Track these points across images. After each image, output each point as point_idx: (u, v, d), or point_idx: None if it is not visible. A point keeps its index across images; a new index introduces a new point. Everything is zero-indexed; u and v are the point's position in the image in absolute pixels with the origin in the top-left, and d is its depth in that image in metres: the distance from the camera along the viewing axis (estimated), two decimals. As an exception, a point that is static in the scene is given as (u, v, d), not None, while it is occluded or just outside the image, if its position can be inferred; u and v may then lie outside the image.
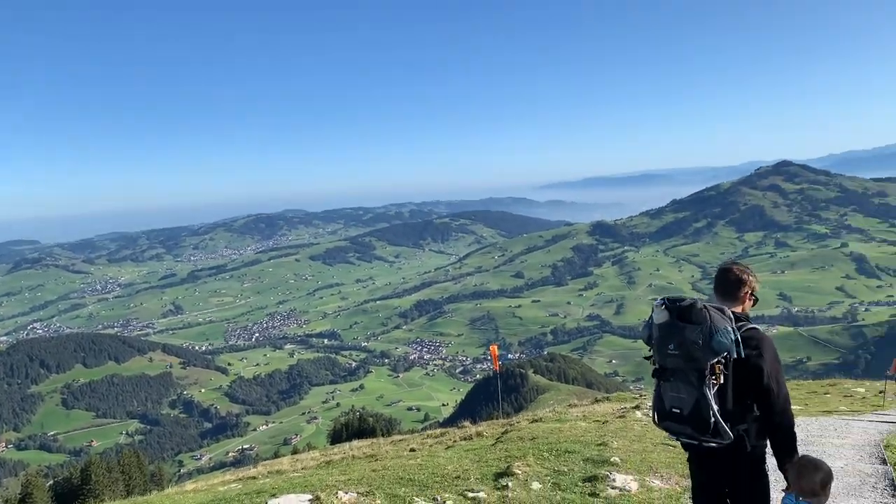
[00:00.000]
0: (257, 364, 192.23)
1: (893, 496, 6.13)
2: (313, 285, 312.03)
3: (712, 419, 3.19)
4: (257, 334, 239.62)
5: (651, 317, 3.48)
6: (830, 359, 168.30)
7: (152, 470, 38.84)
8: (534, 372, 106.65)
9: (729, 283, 3.65)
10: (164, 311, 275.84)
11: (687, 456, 3.70)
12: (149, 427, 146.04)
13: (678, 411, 3.29)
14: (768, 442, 3.49)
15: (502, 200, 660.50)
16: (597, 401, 21.11)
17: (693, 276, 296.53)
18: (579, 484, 6.60)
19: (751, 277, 3.71)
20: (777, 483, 3.58)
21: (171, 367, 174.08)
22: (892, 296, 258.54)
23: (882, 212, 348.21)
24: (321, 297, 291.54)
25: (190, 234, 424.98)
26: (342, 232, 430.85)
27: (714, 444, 3.30)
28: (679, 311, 3.33)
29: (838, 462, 7.44)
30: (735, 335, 3.29)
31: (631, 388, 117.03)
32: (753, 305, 3.78)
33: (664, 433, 3.26)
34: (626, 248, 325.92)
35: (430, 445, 12.82)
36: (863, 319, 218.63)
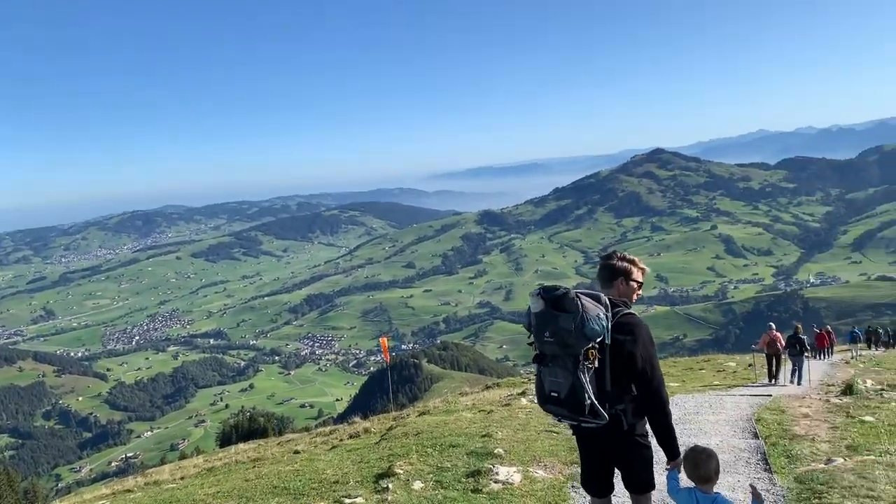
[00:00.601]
0: (139, 368, 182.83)
1: (766, 470, 6.27)
2: (196, 284, 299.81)
3: (587, 401, 3.31)
4: (138, 337, 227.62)
5: (529, 306, 3.58)
6: (704, 335, 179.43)
7: (25, 487, 35.87)
8: (427, 361, 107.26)
9: (603, 271, 3.84)
10: (33, 316, 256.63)
11: (573, 435, 3.82)
12: (20, 441, 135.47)
13: (556, 395, 3.41)
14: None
15: (391, 191, 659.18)
16: (487, 387, 21.24)
17: (576, 262, 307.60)
18: (462, 480, 6.36)
19: (629, 266, 3.85)
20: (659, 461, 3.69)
21: (43, 375, 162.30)
22: (756, 274, 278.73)
23: (746, 195, 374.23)
24: (205, 296, 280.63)
25: (60, 234, 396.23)
26: (226, 227, 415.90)
27: (592, 425, 3.44)
28: (553, 301, 3.43)
29: (714, 439, 7.61)
30: (607, 322, 3.42)
31: (521, 372, 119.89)
32: (638, 290, 3.89)
33: (547, 420, 3.49)
34: (512, 235, 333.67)
35: (317, 445, 12.33)
36: (732, 297, 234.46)
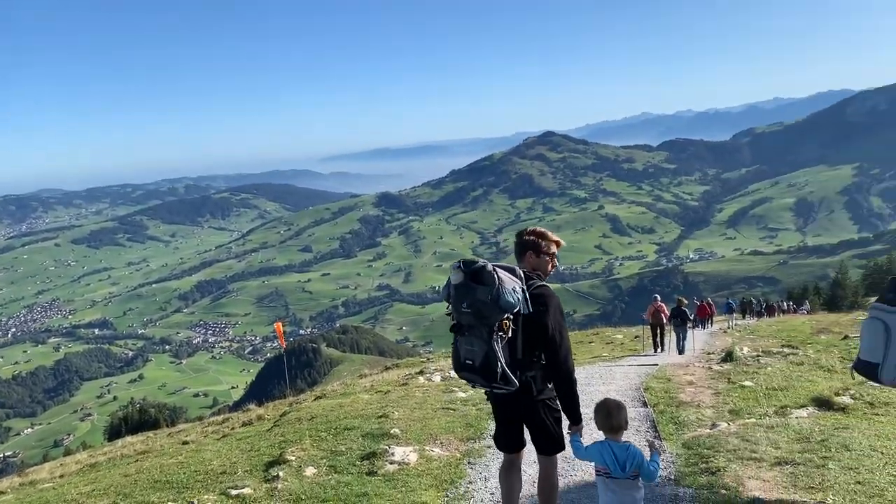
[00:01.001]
0: (16, 362, 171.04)
1: (656, 437, 6.45)
2: (78, 271, 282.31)
3: (499, 369, 3.50)
4: (14, 329, 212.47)
5: (449, 278, 3.75)
6: (593, 310, 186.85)
7: None
8: (326, 345, 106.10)
9: (517, 246, 4.10)
10: None
11: (487, 399, 4.02)
12: None
13: (471, 362, 3.58)
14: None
15: (285, 173, 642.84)
16: (387, 368, 21.10)
17: (473, 242, 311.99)
18: (357, 463, 6.19)
19: (537, 239, 4.09)
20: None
21: None
22: (640, 251, 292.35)
23: (631, 176, 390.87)
24: (88, 284, 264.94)
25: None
26: (109, 212, 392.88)
27: (504, 391, 3.65)
28: (472, 273, 3.60)
29: (604, 408, 7.77)
30: (523, 294, 3.65)
31: (421, 352, 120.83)
32: (553, 262, 4.17)
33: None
34: (411, 217, 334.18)
35: (208, 435, 11.81)
36: (618, 273, 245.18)
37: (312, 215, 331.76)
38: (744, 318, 36.68)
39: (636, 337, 21.23)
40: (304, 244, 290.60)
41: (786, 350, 12.59)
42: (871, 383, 4.98)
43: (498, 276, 3.57)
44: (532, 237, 4.09)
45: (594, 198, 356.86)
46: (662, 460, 5.48)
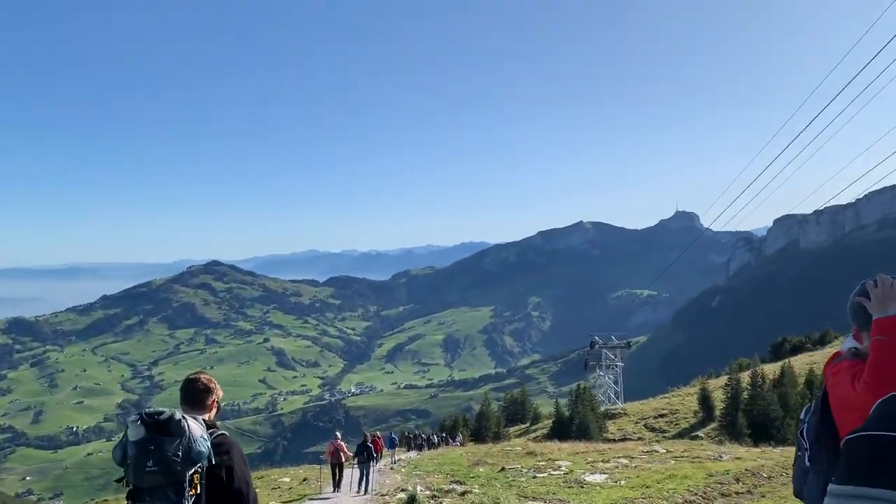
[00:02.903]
0: None
1: None
2: None
3: None
4: None
5: (125, 434, 3.29)
6: (254, 449, 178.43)
7: None
8: None
9: (198, 392, 3.67)
10: None
11: None
12: None
13: None
14: None
15: None
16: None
17: (123, 376, 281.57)
18: None
19: (216, 386, 3.79)
20: None
21: None
22: (305, 385, 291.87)
23: (297, 309, 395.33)
24: None
25: None
26: None
27: None
28: (157, 426, 3.21)
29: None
30: (208, 442, 3.32)
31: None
32: (218, 412, 3.83)
33: None
34: (48, 347, 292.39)
35: None
36: (281, 408, 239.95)
37: None
38: (408, 451, 38.24)
39: (304, 480, 20.15)
40: None
41: (456, 487, 12.73)
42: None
43: (188, 425, 3.24)
44: (212, 382, 3.78)
45: (260, 330, 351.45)
46: None
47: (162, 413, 3.27)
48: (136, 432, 3.22)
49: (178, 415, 3.30)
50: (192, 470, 3.20)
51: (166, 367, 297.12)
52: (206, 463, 3.28)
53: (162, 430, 3.21)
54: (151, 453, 3.15)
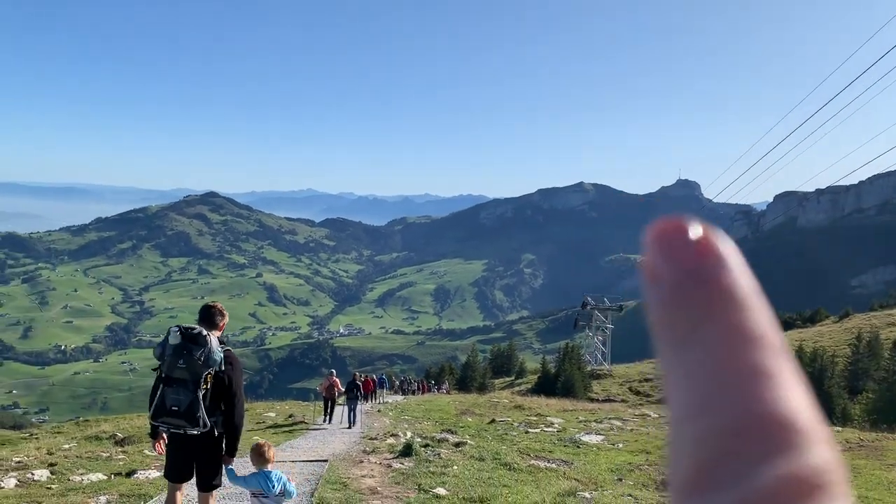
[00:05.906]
0: None
1: None
2: None
3: (199, 414, 4.47)
4: None
5: (166, 339, 4.58)
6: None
7: None
8: None
9: (214, 315, 4.90)
10: None
11: (168, 439, 4.80)
12: None
13: (177, 409, 4.45)
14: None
15: None
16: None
17: (113, 299, 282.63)
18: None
19: (226, 313, 5.10)
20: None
21: None
22: (294, 322, 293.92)
23: (292, 247, 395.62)
24: None
25: None
26: None
27: (196, 432, 4.54)
28: (190, 337, 4.53)
29: None
30: (221, 354, 4.62)
31: (34, 420, 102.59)
32: (221, 334, 5.01)
33: None
34: (40, 264, 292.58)
35: None
36: (269, 343, 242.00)
37: None
38: (404, 395, 39.19)
39: (290, 416, 19.93)
40: None
41: (449, 437, 12.41)
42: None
43: (209, 339, 4.55)
44: (224, 310, 5.09)
45: (253, 265, 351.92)
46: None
47: (194, 329, 4.60)
48: (174, 338, 4.55)
49: (205, 332, 4.60)
50: (207, 371, 4.53)
51: (157, 294, 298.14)
52: (216, 368, 4.59)
53: (192, 340, 4.54)
54: (183, 355, 4.49)
